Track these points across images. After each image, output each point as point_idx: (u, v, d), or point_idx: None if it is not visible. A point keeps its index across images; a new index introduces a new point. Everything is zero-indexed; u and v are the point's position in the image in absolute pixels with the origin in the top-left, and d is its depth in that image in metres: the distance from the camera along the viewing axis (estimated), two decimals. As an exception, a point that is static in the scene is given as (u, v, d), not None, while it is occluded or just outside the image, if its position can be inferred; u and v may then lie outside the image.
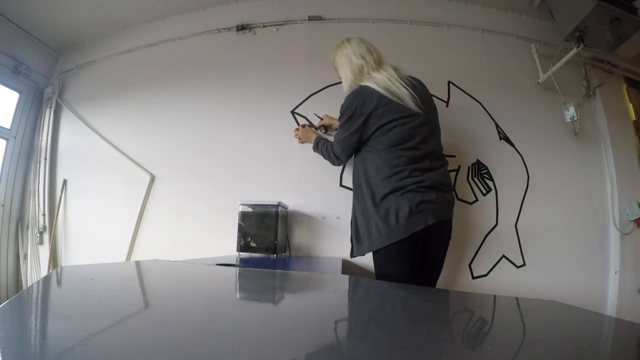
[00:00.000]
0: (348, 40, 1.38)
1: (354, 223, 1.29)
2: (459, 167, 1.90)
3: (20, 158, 2.35)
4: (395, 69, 1.30)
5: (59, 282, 0.65)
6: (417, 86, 1.25)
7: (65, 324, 0.37)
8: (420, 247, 1.19)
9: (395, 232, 1.12)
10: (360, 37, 1.39)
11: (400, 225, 1.12)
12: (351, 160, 1.44)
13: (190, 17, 2.30)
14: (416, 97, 1.20)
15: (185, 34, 2.27)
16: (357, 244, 1.26)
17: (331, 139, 1.60)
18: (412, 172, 1.15)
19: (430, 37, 2.09)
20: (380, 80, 1.22)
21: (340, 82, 1.93)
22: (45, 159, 2.31)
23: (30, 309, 0.45)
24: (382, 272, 1.22)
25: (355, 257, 1.29)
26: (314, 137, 1.71)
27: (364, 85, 1.25)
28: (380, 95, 1.20)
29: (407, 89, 1.20)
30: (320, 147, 1.57)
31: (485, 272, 1.83)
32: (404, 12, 2.10)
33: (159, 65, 2.28)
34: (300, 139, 1.87)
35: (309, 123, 1.93)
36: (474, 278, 1.82)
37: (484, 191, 1.89)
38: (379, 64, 1.31)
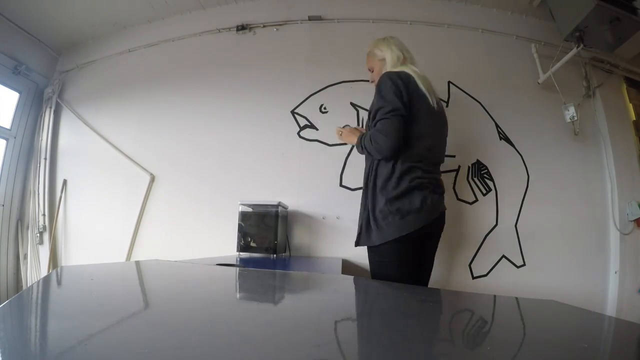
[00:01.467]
0: (391, 36, 1.40)
1: (365, 212, 1.26)
2: (459, 167, 1.90)
3: (20, 158, 2.35)
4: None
5: (59, 282, 0.65)
6: (435, 92, 1.31)
7: (65, 324, 0.37)
8: (420, 247, 1.22)
9: (405, 224, 1.14)
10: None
11: (410, 218, 1.14)
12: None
13: (190, 17, 2.31)
14: (434, 100, 1.26)
15: (185, 34, 2.27)
16: (367, 234, 1.24)
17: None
18: (425, 172, 1.19)
19: (430, 37, 2.09)
20: (418, 72, 1.26)
21: (338, 83, 1.94)
22: (45, 159, 2.31)
23: (30, 309, 0.45)
24: (380, 271, 1.22)
25: (360, 245, 1.28)
26: (357, 135, 1.36)
27: (404, 71, 1.24)
28: (417, 83, 1.22)
29: (428, 90, 1.24)
30: (363, 142, 1.26)
31: (485, 272, 1.82)
32: (404, 12, 2.10)
33: (159, 65, 2.28)
34: (342, 138, 1.50)
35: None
36: (474, 278, 1.82)
37: (484, 191, 1.89)
38: (412, 63, 1.35)
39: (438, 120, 1.29)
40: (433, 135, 1.25)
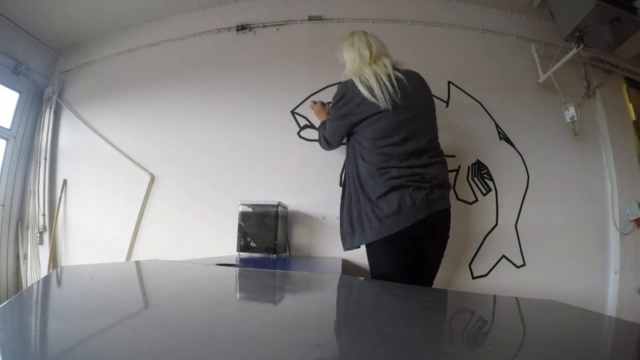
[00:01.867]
0: (352, 33, 1.41)
1: (347, 214, 1.28)
2: (459, 167, 1.90)
3: (20, 158, 2.35)
4: (395, 63, 1.31)
5: (59, 282, 0.65)
6: (406, 84, 1.23)
7: (65, 324, 0.37)
8: (413, 246, 1.19)
9: (384, 227, 1.12)
10: (366, 31, 1.40)
11: (388, 221, 1.12)
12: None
13: (190, 17, 2.31)
14: (398, 93, 1.19)
15: (185, 34, 2.27)
16: (351, 236, 1.25)
17: None
18: (401, 169, 1.16)
19: (430, 37, 2.09)
20: (366, 77, 1.23)
21: (338, 83, 1.94)
22: (45, 159, 2.31)
23: (30, 309, 0.45)
24: (375, 272, 1.22)
25: (347, 250, 1.29)
26: (322, 118, 1.64)
27: (350, 80, 1.27)
28: (361, 92, 1.22)
29: (391, 86, 1.20)
30: (320, 129, 1.55)
31: (485, 272, 1.82)
32: (404, 12, 2.10)
33: (159, 65, 2.28)
34: (313, 110, 1.79)
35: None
36: (474, 278, 1.82)
37: (484, 191, 1.89)
38: (377, 57, 1.30)
39: (410, 110, 1.21)
40: (403, 127, 1.19)
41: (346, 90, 1.27)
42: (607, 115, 2.00)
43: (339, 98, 1.29)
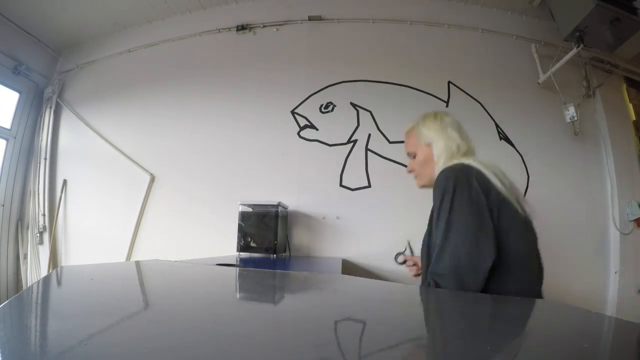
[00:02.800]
0: (445, 114, 1.03)
1: None
2: (459, 167, 1.89)
3: (20, 158, 2.35)
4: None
5: (59, 282, 0.65)
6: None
7: (65, 324, 0.37)
8: None
9: None
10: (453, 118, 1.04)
11: None
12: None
13: (190, 17, 2.31)
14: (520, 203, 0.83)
15: (185, 34, 2.27)
16: None
17: None
18: None
19: (430, 37, 2.09)
20: (486, 164, 0.86)
21: (338, 83, 1.95)
22: (45, 159, 2.31)
23: (30, 309, 0.45)
24: None
25: None
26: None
27: (466, 164, 0.86)
28: (496, 185, 0.81)
29: (509, 185, 0.84)
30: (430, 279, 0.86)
31: (485, 272, 1.82)
32: (404, 12, 2.10)
33: (159, 65, 2.28)
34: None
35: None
36: (474, 278, 1.81)
37: (484, 191, 1.89)
38: (471, 153, 0.97)
39: (531, 230, 0.84)
40: (534, 249, 0.83)
41: (472, 176, 0.81)
42: (607, 115, 2.00)
43: (469, 189, 0.79)
